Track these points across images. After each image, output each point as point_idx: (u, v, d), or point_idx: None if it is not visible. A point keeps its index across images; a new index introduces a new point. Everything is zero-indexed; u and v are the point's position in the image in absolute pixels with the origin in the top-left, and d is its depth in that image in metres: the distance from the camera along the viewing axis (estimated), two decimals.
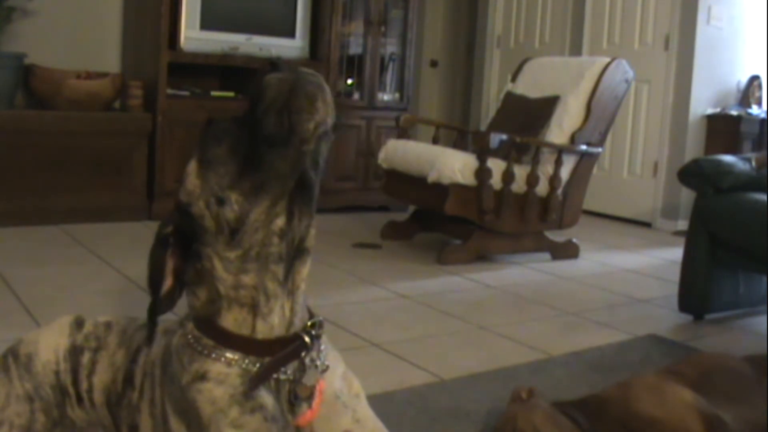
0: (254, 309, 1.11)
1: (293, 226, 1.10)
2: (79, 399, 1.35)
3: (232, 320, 1.12)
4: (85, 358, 1.36)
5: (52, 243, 3.56)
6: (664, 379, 1.66)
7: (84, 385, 1.35)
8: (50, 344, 1.37)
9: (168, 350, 1.21)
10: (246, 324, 1.12)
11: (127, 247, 3.55)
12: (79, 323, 1.41)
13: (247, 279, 1.10)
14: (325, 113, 1.06)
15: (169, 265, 1.12)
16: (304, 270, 1.14)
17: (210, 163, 1.09)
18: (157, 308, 1.12)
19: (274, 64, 1.09)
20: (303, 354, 1.14)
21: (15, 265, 3.08)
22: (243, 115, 1.09)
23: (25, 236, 3.63)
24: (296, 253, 1.12)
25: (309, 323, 1.17)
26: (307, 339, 1.15)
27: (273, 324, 1.12)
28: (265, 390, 1.12)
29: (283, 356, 1.13)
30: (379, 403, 1.66)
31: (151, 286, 1.11)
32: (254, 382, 1.11)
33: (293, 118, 1.04)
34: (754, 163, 2.14)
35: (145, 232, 3.92)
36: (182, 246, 1.13)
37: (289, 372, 1.14)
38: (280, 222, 1.08)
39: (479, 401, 1.97)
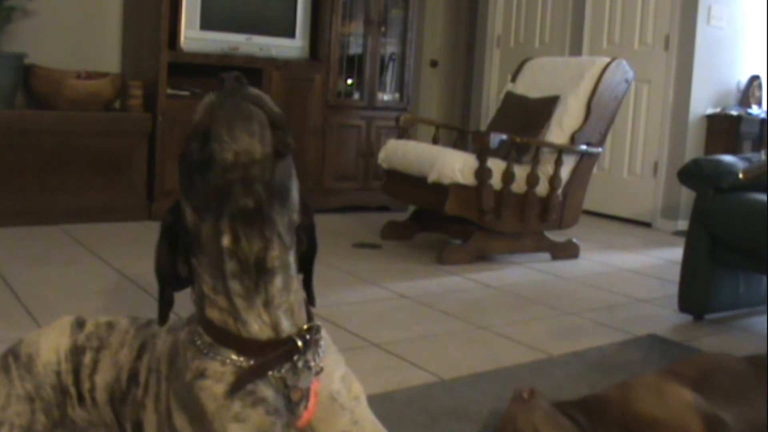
0: (232, 314, 1.12)
1: (241, 246, 1.07)
2: (81, 398, 1.35)
3: (215, 321, 1.14)
4: (87, 357, 1.36)
5: (52, 243, 3.55)
6: (664, 379, 1.66)
7: (86, 385, 1.35)
8: (51, 344, 1.37)
9: (175, 346, 1.22)
10: (229, 325, 1.12)
11: (127, 247, 3.54)
12: (80, 323, 1.41)
13: (219, 286, 1.11)
14: (250, 142, 1.00)
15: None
16: (273, 288, 1.11)
17: (181, 162, 1.08)
18: (164, 295, 1.18)
19: (221, 80, 1.04)
20: (295, 357, 1.13)
21: (15, 265, 3.08)
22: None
23: (25, 236, 3.63)
24: (258, 273, 1.09)
25: (305, 327, 1.16)
26: (299, 343, 1.13)
27: (253, 331, 1.12)
28: (264, 385, 1.12)
29: (270, 359, 1.12)
30: (379, 403, 1.67)
31: (158, 276, 1.17)
32: (238, 384, 1.10)
33: (212, 146, 1.00)
34: (741, 176, 2.11)
35: (145, 232, 3.92)
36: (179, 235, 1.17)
37: (283, 371, 1.13)
38: (226, 240, 1.06)
39: (479, 401, 1.97)
